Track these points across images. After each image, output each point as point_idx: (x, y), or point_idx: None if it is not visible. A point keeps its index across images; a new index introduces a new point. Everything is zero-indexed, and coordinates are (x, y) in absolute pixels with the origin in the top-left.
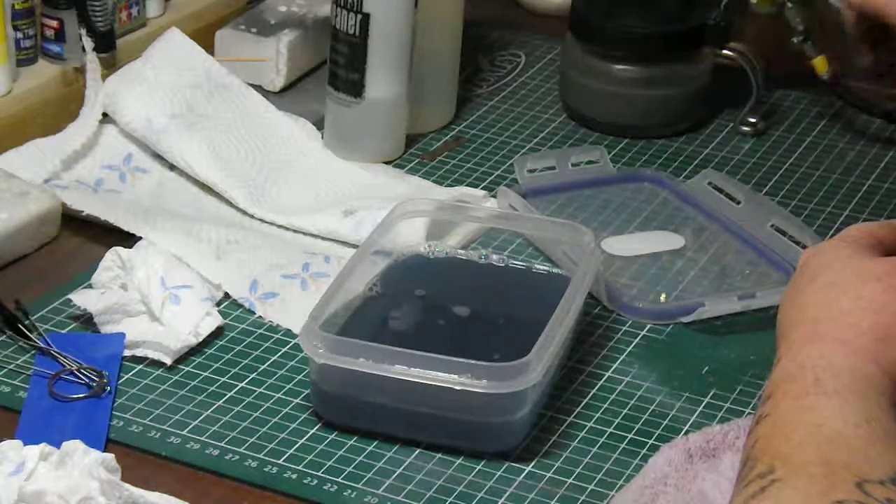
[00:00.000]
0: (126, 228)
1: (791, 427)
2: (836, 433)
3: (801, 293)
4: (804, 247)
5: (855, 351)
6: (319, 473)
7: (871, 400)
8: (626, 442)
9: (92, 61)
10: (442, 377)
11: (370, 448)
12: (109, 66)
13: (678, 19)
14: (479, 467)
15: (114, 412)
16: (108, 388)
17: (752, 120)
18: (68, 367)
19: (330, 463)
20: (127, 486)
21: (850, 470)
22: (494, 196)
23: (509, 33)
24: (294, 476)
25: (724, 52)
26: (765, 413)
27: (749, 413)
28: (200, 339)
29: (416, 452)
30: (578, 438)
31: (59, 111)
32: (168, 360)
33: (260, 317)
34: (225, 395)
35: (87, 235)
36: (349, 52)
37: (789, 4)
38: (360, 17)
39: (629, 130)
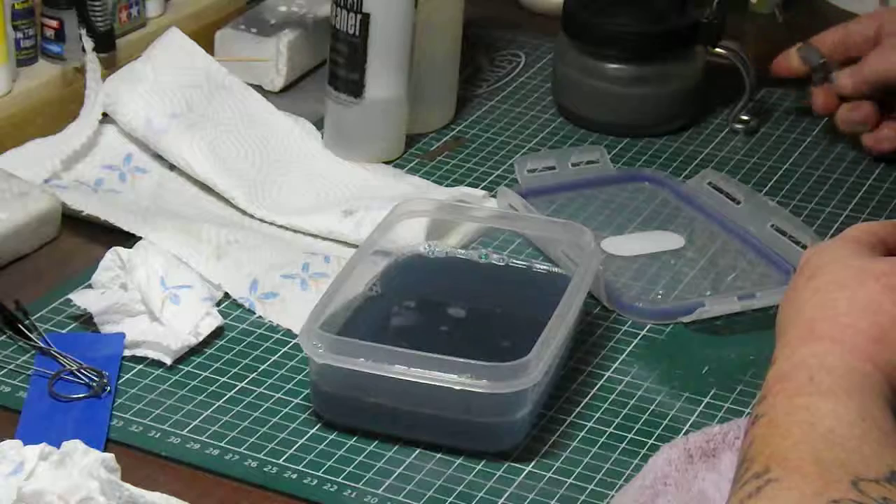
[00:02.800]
0: (126, 228)
1: (786, 427)
2: (830, 432)
3: (800, 293)
4: (804, 247)
5: (851, 350)
6: (319, 473)
7: (867, 398)
8: (626, 442)
9: (92, 61)
10: (442, 377)
11: (370, 448)
12: (109, 66)
13: (671, 18)
14: (479, 467)
15: (114, 412)
16: (108, 388)
17: (745, 118)
18: (68, 367)
19: (330, 463)
20: (127, 485)
21: (845, 468)
22: (494, 196)
23: (509, 33)
24: (294, 476)
25: (717, 50)
26: (760, 413)
27: (749, 413)
28: (200, 339)
29: (416, 452)
30: (578, 438)
31: (59, 111)
32: (168, 360)
33: (260, 317)
34: (225, 395)
35: (87, 235)
36: (349, 52)
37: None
38: (360, 17)
39: (622, 129)
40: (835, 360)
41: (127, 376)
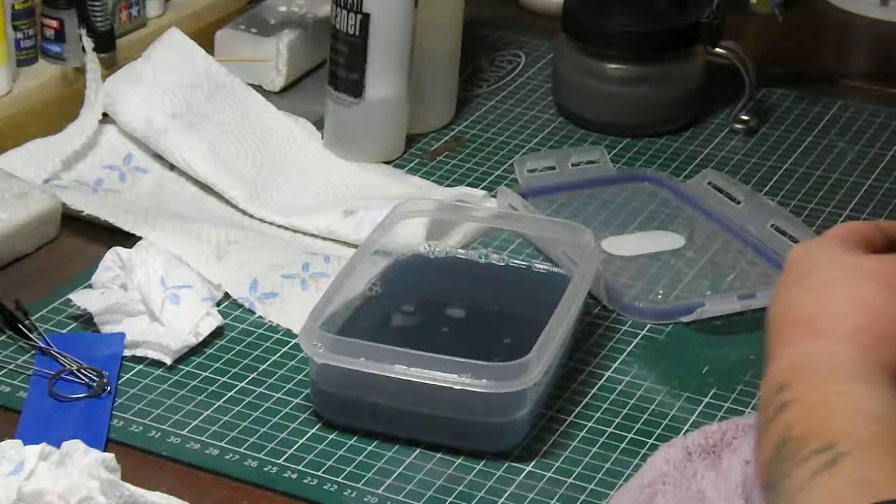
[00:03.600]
0: (126, 228)
1: (827, 409)
2: (870, 411)
3: (793, 291)
4: None
5: (858, 346)
6: (319, 473)
7: (884, 390)
8: (626, 442)
9: (92, 61)
10: (442, 377)
11: (370, 448)
12: (109, 66)
13: (671, 18)
14: (479, 467)
15: (114, 412)
16: (108, 388)
17: (745, 117)
18: (68, 367)
19: (330, 463)
20: (127, 485)
21: None
22: (494, 196)
23: (509, 33)
24: (294, 476)
25: (717, 50)
26: (789, 400)
27: (749, 412)
28: (200, 339)
29: (416, 452)
30: (578, 438)
31: (59, 111)
32: (168, 360)
33: (260, 317)
34: (225, 395)
35: (87, 235)
36: (349, 52)
37: None
38: (360, 17)
39: (622, 129)
40: (845, 354)
41: (127, 376)
